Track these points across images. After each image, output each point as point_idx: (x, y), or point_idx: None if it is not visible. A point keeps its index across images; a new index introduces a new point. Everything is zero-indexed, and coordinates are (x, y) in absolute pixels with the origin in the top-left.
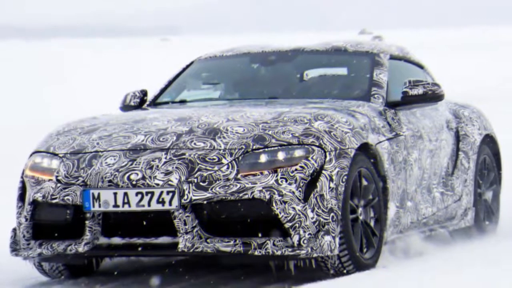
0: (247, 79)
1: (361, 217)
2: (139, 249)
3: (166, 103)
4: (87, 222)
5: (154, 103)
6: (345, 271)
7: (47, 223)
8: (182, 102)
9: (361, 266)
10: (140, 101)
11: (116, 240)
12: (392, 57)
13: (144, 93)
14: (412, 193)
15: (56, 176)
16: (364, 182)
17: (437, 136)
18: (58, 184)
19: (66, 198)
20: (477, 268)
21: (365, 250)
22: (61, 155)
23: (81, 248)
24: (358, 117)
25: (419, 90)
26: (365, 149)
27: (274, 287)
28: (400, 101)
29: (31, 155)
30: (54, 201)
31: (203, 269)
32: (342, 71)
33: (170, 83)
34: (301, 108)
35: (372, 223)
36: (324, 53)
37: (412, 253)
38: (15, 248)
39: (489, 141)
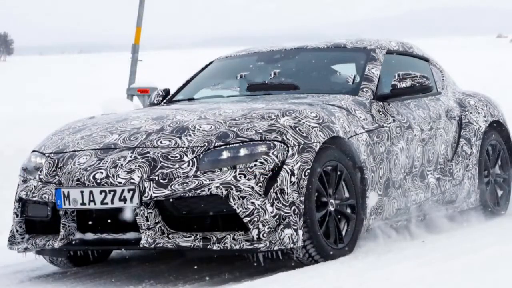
0: (251, 76)
1: (332, 208)
2: (109, 244)
3: (180, 100)
4: (62, 219)
5: (170, 101)
6: (312, 261)
7: (34, 219)
8: (191, 100)
9: (331, 256)
10: (162, 99)
11: (89, 236)
12: (396, 52)
13: (166, 91)
14: (400, 181)
15: (39, 175)
16: (336, 174)
17: (432, 125)
18: (39, 183)
19: (43, 196)
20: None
21: (339, 239)
22: (46, 155)
23: (56, 244)
24: (333, 111)
25: (407, 83)
26: (337, 142)
27: (272, 286)
28: (389, 94)
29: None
30: (34, 199)
31: (203, 270)
32: (341, 66)
33: (188, 82)
34: (277, 104)
35: (348, 212)
36: (324, 50)
37: (393, 239)
38: (12, 241)
39: (497, 127)
